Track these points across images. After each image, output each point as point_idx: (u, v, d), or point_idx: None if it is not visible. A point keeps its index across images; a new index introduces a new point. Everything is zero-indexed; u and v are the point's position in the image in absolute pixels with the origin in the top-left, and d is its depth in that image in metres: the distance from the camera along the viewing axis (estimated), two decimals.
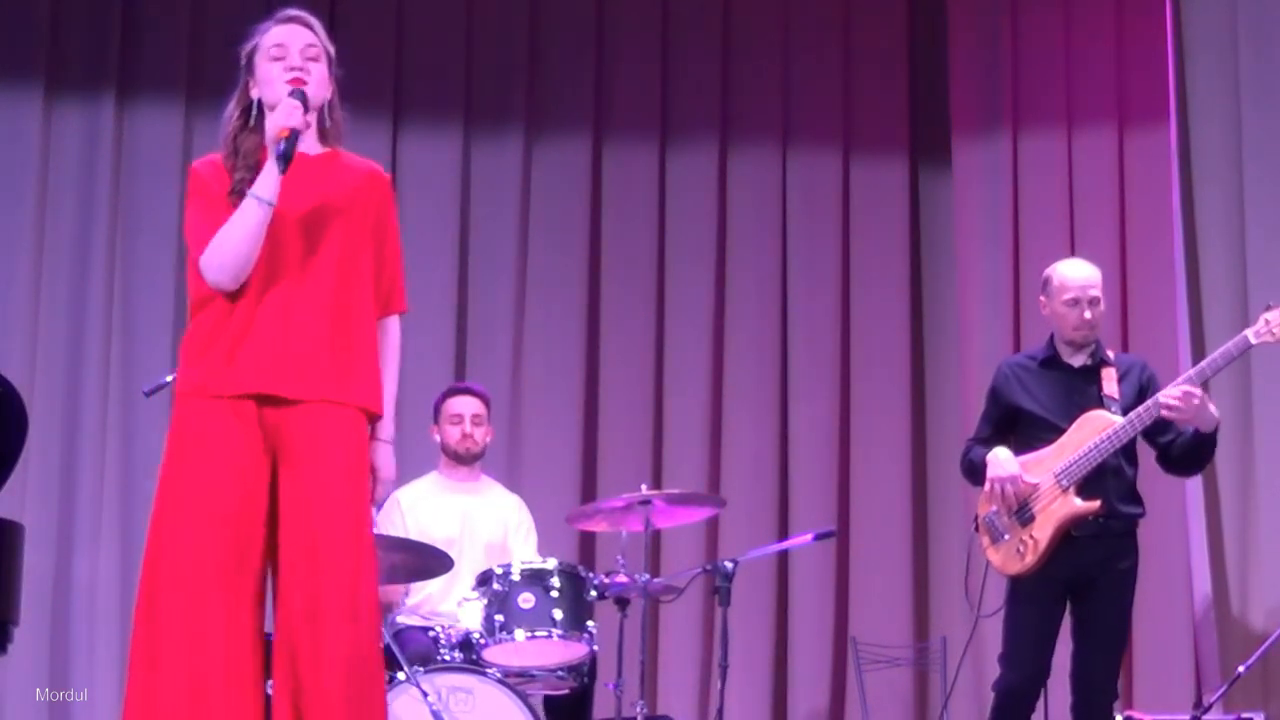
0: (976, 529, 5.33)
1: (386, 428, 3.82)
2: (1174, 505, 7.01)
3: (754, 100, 7.81)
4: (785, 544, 6.98)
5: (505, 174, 7.63)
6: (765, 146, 7.78)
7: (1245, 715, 6.08)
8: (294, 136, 3.67)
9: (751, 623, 7.31)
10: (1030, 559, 5.14)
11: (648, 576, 5.66)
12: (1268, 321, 5.02)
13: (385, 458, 3.81)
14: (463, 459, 6.17)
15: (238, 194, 3.68)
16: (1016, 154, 7.52)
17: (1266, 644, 6.08)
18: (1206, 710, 5.99)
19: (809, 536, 6.31)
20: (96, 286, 7.23)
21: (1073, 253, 7.33)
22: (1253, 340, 5.03)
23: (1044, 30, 7.54)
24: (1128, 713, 6.28)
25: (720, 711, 5.93)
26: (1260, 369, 6.88)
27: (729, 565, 5.82)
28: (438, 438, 6.24)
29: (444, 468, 6.23)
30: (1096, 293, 5.27)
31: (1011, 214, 7.49)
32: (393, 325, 3.90)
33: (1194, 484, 6.98)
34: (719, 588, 5.78)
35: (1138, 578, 5.26)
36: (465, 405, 6.18)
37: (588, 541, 7.22)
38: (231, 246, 3.63)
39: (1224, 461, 6.95)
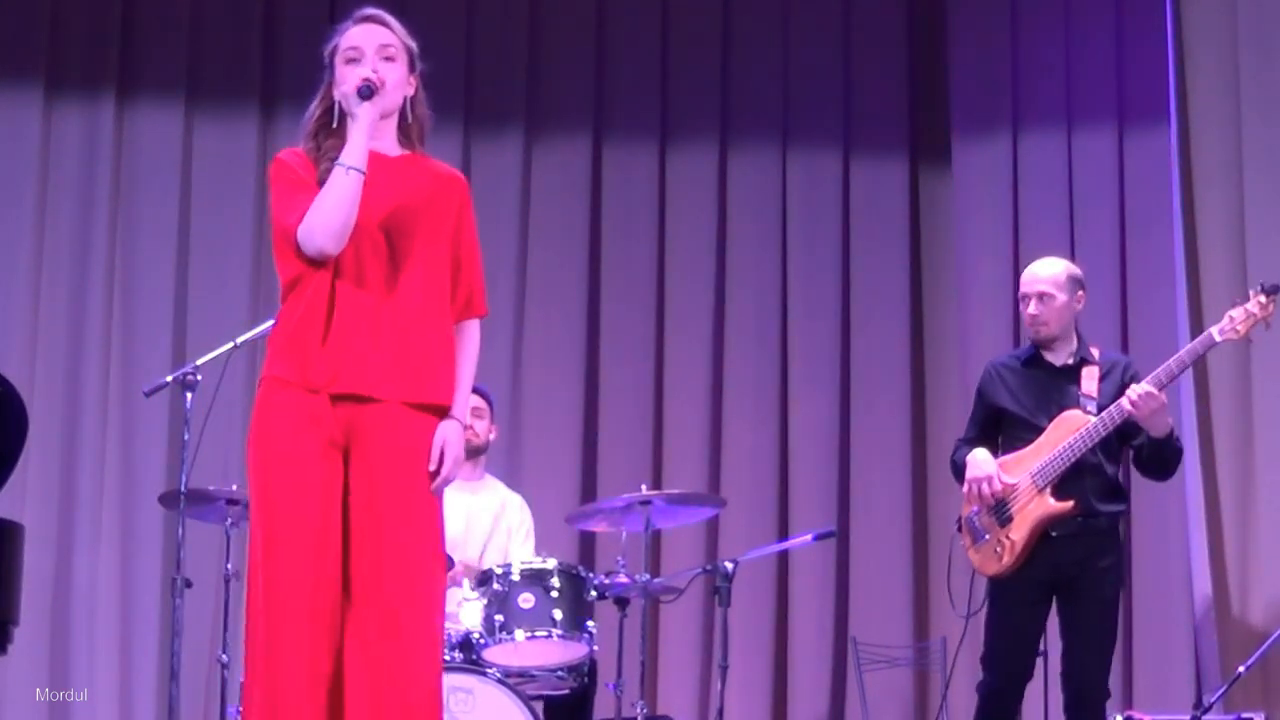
0: (959, 529, 5.36)
1: (459, 408, 3.86)
2: (1174, 505, 7.01)
3: (754, 100, 7.80)
4: (785, 544, 6.98)
5: (505, 174, 7.63)
6: (765, 146, 7.77)
7: (1245, 715, 6.08)
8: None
9: (751, 623, 7.31)
10: (1007, 560, 5.17)
11: (648, 576, 5.67)
12: (1231, 318, 5.07)
13: (454, 433, 3.81)
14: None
15: (325, 180, 3.70)
16: (1016, 154, 7.53)
17: (1266, 644, 6.08)
18: (1206, 710, 5.99)
19: (809, 536, 6.32)
20: (96, 286, 7.23)
21: (1073, 253, 7.34)
22: (1217, 338, 5.08)
23: (1044, 30, 7.54)
24: (1128, 713, 6.29)
25: (720, 711, 5.93)
26: (1260, 368, 6.88)
27: (729, 565, 5.82)
28: None
29: None
30: (1043, 288, 5.29)
31: (1011, 214, 7.49)
32: (473, 329, 3.98)
33: (1194, 483, 6.98)
34: (719, 588, 5.78)
35: (1124, 575, 5.29)
36: None
37: (588, 541, 7.22)
38: (328, 212, 3.64)
39: (1224, 461, 6.95)
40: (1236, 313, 5.08)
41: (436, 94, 7.81)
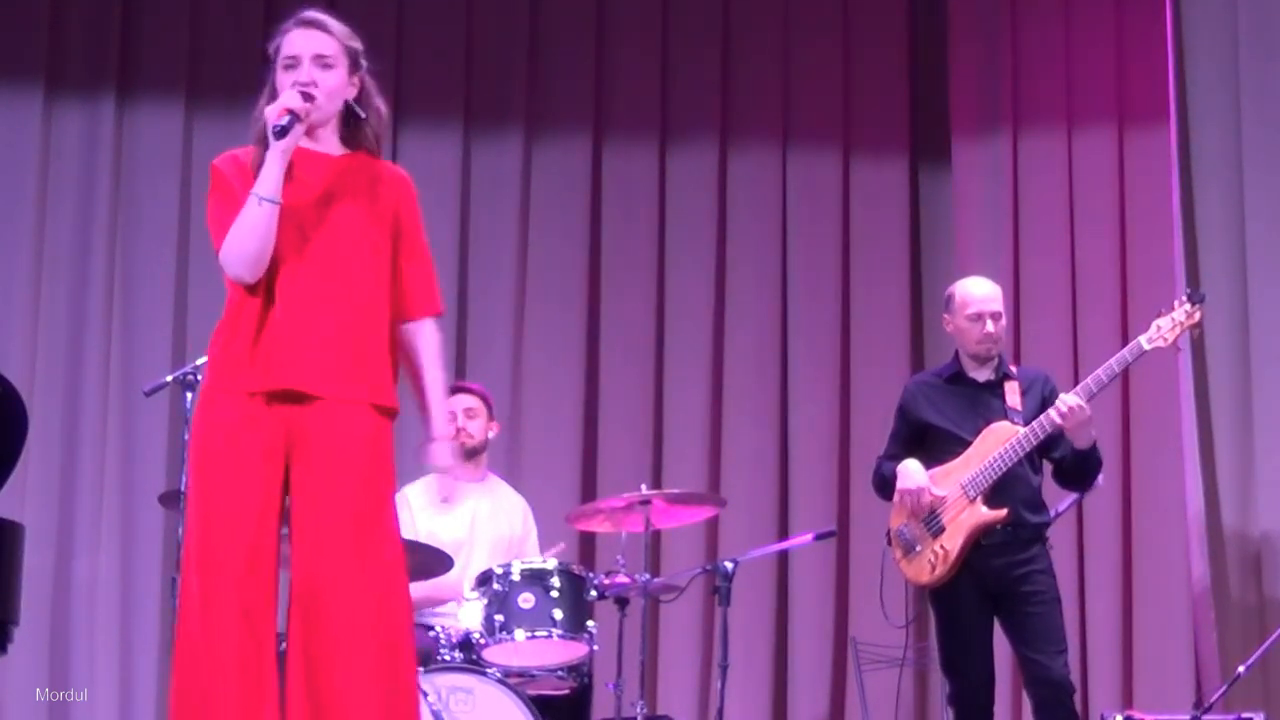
0: (889, 542, 5.45)
1: (438, 424, 3.90)
2: (1174, 504, 7.02)
3: (754, 100, 7.80)
4: (785, 544, 6.99)
5: (505, 174, 7.63)
6: (765, 146, 7.77)
7: (1245, 715, 6.09)
8: (293, 116, 3.68)
9: (751, 623, 7.31)
10: (941, 569, 5.28)
11: (648, 576, 5.67)
12: (1159, 327, 5.21)
13: (440, 453, 3.90)
14: (460, 454, 6.18)
15: None
16: (1016, 154, 7.52)
17: (1266, 644, 6.08)
18: (1207, 710, 6.00)
19: (809, 536, 6.34)
20: (96, 286, 7.23)
21: (1073, 253, 7.36)
22: (1146, 346, 5.21)
23: (1044, 30, 7.54)
24: (1128, 713, 6.29)
25: (720, 711, 5.93)
26: (1260, 366, 6.89)
27: (729, 565, 5.83)
28: None
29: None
30: (998, 307, 5.42)
31: (1011, 214, 7.49)
32: (429, 329, 3.91)
33: (1194, 483, 6.99)
34: (719, 588, 5.80)
35: (1056, 579, 5.36)
36: (456, 403, 6.19)
37: (588, 541, 7.22)
38: (241, 243, 3.67)
39: (1224, 457, 6.96)
40: (1164, 321, 5.22)
41: (435, 94, 7.86)
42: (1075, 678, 5.36)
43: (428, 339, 3.90)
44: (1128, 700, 6.92)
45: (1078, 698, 5.39)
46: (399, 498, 6.18)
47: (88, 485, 7.11)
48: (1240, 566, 6.94)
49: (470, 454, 6.20)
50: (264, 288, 3.69)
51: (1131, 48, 7.42)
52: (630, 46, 7.77)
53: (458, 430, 6.18)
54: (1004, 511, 5.22)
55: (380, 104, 3.90)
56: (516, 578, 5.54)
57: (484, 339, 7.54)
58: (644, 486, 5.91)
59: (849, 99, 7.82)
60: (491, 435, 6.27)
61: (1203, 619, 6.93)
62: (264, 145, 3.74)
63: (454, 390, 6.28)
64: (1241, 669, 5.91)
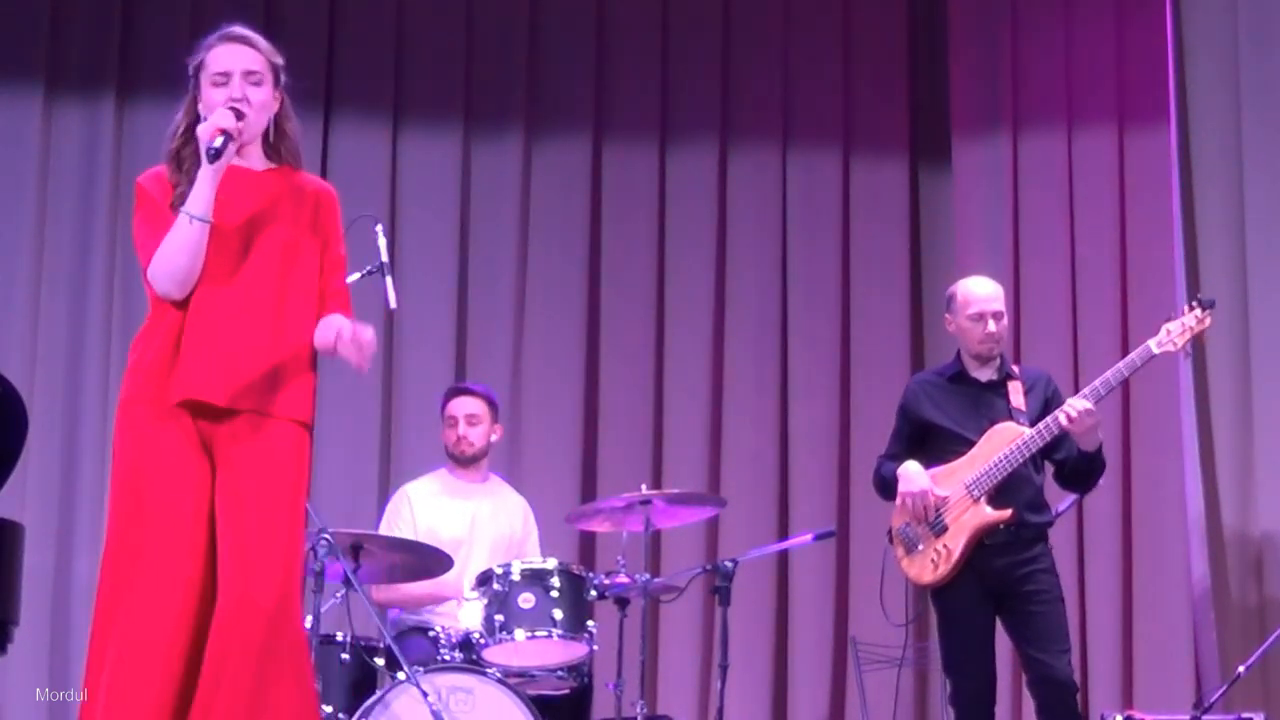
0: (891, 541, 5.44)
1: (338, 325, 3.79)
2: (1174, 504, 7.01)
3: (754, 100, 7.80)
4: (785, 544, 6.99)
5: (505, 174, 7.63)
6: (765, 146, 7.77)
7: (1245, 715, 6.09)
8: (226, 137, 3.70)
9: (751, 623, 7.31)
10: (944, 569, 5.28)
11: (648, 576, 5.67)
12: (1168, 331, 5.23)
13: (360, 328, 3.78)
14: (460, 461, 6.19)
15: (179, 203, 3.74)
16: (1016, 154, 7.52)
17: (1266, 644, 6.08)
18: (1207, 710, 6.00)
19: (809, 536, 6.34)
20: (96, 286, 7.23)
21: (1073, 253, 7.35)
22: (1155, 351, 5.23)
23: (1044, 30, 7.54)
24: (1128, 712, 6.29)
25: (720, 711, 5.93)
26: (1260, 366, 6.89)
27: (729, 565, 5.84)
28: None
29: (451, 467, 6.24)
30: (1000, 307, 5.43)
31: (1011, 214, 7.49)
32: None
33: (1193, 484, 6.99)
34: (719, 587, 5.80)
35: (1059, 578, 5.38)
36: (459, 407, 6.20)
37: (588, 541, 7.22)
38: (170, 260, 3.70)
39: (1224, 458, 6.96)
40: (1173, 326, 5.23)
41: (435, 94, 7.86)
42: (1076, 678, 5.36)
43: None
44: (1128, 700, 6.92)
45: (1078, 697, 5.40)
46: (400, 495, 6.23)
47: (88, 485, 7.11)
48: (1240, 567, 6.93)
49: (471, 460, 6.20)
50: (186, 302, 3.72)
51: (1131, 48, 7.42)
52: (630, 46, 7.77)
53: (459, 438, 6.18)
54: (1008, 512, 5.22)
55: (296, 124, 3.94)
56: (516, 578, 5.54)
57: (484, 340, 7.54)
58: (644, 486, 5.92)
59: (849, 99, 7.82)
60: (494, 439, 6.27)
61: (1203, 619, 6.92)
62: (176, 164, 3.79)
63: (457, 393, 6.29)
64: (1241, 669, 5.91)
